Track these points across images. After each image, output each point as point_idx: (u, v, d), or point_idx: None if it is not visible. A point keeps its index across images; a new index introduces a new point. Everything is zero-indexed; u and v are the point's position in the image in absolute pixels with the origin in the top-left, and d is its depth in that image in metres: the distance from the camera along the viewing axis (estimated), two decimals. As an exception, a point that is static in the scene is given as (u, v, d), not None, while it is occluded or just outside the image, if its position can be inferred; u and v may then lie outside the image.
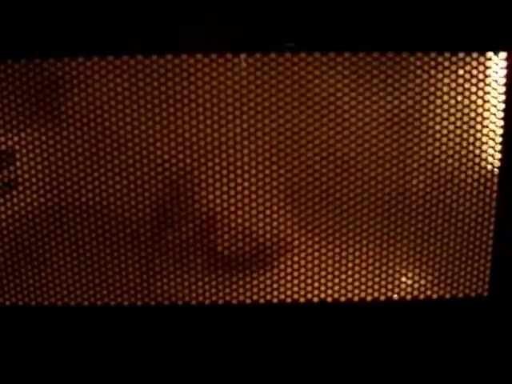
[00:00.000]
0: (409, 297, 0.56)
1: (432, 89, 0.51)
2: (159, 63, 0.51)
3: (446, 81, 0.51)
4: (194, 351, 0.57)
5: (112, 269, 0.56)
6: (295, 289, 0.56)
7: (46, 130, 0.53)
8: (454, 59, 0.51)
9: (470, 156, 0.53)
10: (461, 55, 0.51)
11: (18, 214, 0.55)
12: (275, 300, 0.56)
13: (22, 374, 0.57)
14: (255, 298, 0.56)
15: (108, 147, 0.53)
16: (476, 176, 0.54)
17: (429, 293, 0.56)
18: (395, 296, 0.56)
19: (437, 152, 0.53)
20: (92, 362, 0.57)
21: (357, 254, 0.56)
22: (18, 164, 0.54)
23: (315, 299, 0.56)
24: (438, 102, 0.52)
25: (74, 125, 0.53)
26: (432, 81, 0.51)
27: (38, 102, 0.53)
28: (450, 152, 0.53)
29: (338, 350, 0.57)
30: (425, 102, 0.52)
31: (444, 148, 0.53)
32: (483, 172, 0.54)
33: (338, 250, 0.56)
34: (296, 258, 0.56)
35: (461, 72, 0.51)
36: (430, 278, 0.56)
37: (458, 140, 0.53)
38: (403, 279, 0.56)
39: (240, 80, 0.51)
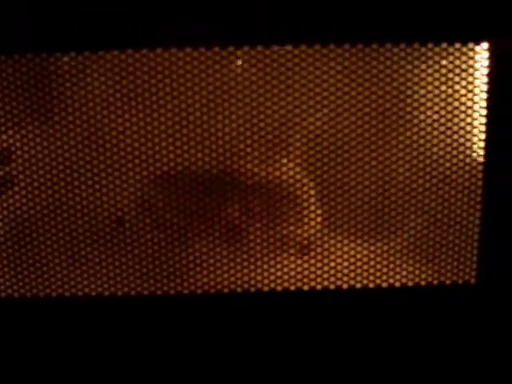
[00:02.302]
0: (397, 284, 0.57)
1: (416, 79, 0.52)
2: (156, 57, 0.52)
3: (430, 71, 0.52)
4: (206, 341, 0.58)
5: (115, 259, 0.57)
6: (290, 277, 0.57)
7: (43, 127, 0.54)
8: (437, 50, 0.52)
9: (455, 145, 0.55)
10: (444, 46, 0.52)
11: (17, 210, 0.56)
12: (279, 288, 0.57)
13: (19, 367, 0.58)
14: (260, 286, 0.57)
15: (106, 143, 0.54)
16: (462, 164, 0.55)
17: (417, 279, 0.58)
18: (384, 284, 0.57)
19: (422, 141, 0.54)
20: (90, 354, 0.58)
21: (345, 242, 0.57)
22: (15, 163, 0.55)
23: (305, 287, 0.57)
24: (423, 92, 0.53)
25: (71, 122, 0.54)
26: (416, 71, 0.52)
27: (34, 98, 0.54)
28: (436, 141, 0.54)
29: (327, 336, 0.58)
30: (409, 93, 0.53)
31: (429, 137, 0.54)
32: (469, 160, 0.55)
33: (326, 238, 0.57)
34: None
35: (444, 62, 0.52)
36: (417, 264, 0.57)
37: (443, 129, 0.54)
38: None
39: (234, 75, 0.52)
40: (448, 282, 0.57)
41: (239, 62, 0.52)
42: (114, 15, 0.50)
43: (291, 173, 0.56)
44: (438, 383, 0.58)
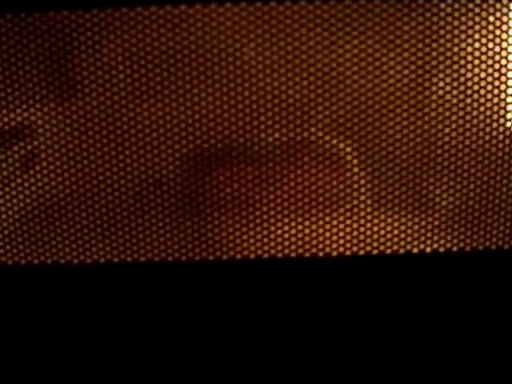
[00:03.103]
0: (428, 249, 0.56)
1: (449, 36, 0.51)
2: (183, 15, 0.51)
3: (463, 28, 0.51)
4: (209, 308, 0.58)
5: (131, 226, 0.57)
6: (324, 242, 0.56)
7: (65, 104, 0.54)
8: (470, 6, 0.51)
9: (490, 105, 0.53)
10: (477, 1, 0.51)
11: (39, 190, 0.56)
12: (280, 255, 0.57)
13: (28, 338, 0.59)
14: (259, 252, 0.57)
15: (128, 112, 0.54)
16: (500, 128, 0.54)
17: (449, 245, 0.56)
18: (415, 249, 0.56)
19: (455, 101, 0.53)
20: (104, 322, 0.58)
21: (381, 209, 0.56)
22: (37, 140, 0.54)
23: (347, 252, 0.56)
24: (455, 49, 0.52)
25: (94, 98, 0.53)
26: (448, 28, 0.51)
27: (55, 67, 0.53)
28: (469, 101, 0.53)
29: (359, 299, 0.57)
30: (442, 50, 0.52)
31: (462, 97, 0.53)
32: (507, 123, 0.54)
33: (354, 202, 0.56)
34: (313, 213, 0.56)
35: (477, 19, 0.51)
36: (449, 230, 0.56)
37: (475, 95, 0.53)
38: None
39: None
40: (481, 247, 0.56)
41: (252, 45, 0.52)
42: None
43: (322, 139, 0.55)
44: (470, 352, 0.57)
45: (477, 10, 0.51)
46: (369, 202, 0.56)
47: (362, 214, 0.56)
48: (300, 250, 0.56)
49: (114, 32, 0.52)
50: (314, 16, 0.51)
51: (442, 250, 0.56)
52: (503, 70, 0.52)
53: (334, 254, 0.56)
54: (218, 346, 0.58)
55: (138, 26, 0.52)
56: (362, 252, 0.56)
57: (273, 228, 0.56)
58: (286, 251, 0.57)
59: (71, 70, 0.53)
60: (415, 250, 0.56)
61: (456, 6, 0.51)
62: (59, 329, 0.58)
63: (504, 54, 0.52)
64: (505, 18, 0.51)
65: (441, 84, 0.53)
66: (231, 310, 0.58)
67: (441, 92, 0.53)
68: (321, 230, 0.56)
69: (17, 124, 0.54)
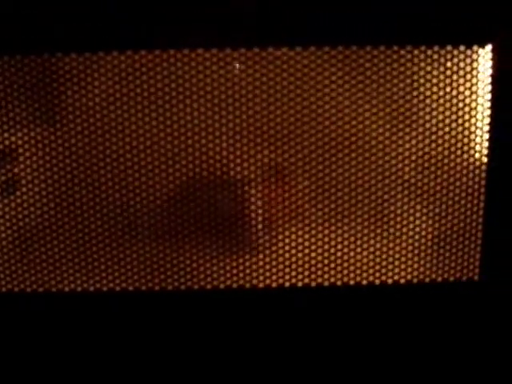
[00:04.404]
0: (402, 280, 0.59)
1: (422, 81, 0.54)
2: (158, 58, 0.53)
3: (435, 73, 0.54)
4: (196, 336, 0.59)
5: (114, 255, 0.58)
6: (287, 273, 0.58)
7: (50, 129, 0.55)
8: (442, 52, 0.53)
9: (459, 145, 0.56)
10: (448, 48, 0.53)
11: (22, 211, 0.57)
12: (274, 284, 0.59)
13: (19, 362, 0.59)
14: (255, 282, 0.59)
15: (110, 143, 0.55)
16: (465, 163, 0.56)
17: (421, 276, 0.59)
18: (389, 280, 0.59)
19: (427, 141, 0.56)
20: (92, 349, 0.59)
21: (350, 239, 0.58)
22: (22, 165, 0.56)
23: (309, 283, 0.58)
24: (428, 93, 0.54)
25: (74, 121, 0.55)
26: (421, 73, 0.54)
27: (37, 98, 0.55)
28: (440, 141, 0.56)
29: (331, 332, 0.59)
30: (415, 94, 0.54)
31: (434, 137, 0.55)
32: (472, 160, 0.56)
33: (330, 234, 0.58)
34: (291, 244, 0.58)
35: (449, 65, 0.54)
36: (421, 261, 0.58)
37: (447, 130, 0.55)
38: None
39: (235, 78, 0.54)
40: (451, 278, 0.58)
41: (237, 67, 0.54)
42: (114, 17, 0.52)
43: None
44: (440, 379, 0.59)
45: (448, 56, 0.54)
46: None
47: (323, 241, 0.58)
48: (255, 282, 0.59)
49: (95, 73, 0.54)
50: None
51: (402, 281, 0.59)
52: (473, 112, 0.55)
53: (286, 284, 0.58)
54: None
55: (114, 68, 0.54)
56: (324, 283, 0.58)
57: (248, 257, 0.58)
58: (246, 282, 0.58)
59: (55, 100, 0.55)
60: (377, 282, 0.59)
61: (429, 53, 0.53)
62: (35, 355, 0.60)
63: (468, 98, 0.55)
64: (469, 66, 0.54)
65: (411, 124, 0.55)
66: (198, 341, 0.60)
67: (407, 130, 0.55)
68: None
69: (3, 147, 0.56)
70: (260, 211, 0.58)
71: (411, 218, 0.58)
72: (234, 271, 0.58)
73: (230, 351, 0.59)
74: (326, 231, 0.58)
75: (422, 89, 0.54)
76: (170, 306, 0.59)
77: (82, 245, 0.58)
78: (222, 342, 0.59)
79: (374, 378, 0.60)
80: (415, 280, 0.59)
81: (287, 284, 0.59)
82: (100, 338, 0.59)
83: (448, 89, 0.54)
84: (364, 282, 0.58)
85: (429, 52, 0.53)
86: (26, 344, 0.59)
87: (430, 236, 0.58)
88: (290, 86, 0.54)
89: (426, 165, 0.56)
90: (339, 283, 0.58)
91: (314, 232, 0.58)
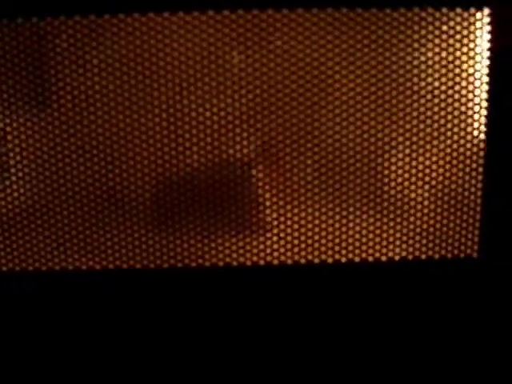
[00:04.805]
0: (397, 257, 0.56)
1: (416, 45, 0.51)
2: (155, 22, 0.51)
3: (430, 37, 0.51)
4: (193, 314, 0.57)
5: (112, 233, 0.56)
6: (292, 250, 0.56)
7: (37, 112, 0.54)
8: (437, 15, 0.51)
9: (457, 117, 0.53)
10: (444, 11, 0.51)
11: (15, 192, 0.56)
12: (275, 262, 0.57)
13: (17, 343, 0.58)
14: (255, 259, 0.57)
15: (102, 124, 0.53)
16: (463, 138, 0.54)
17: (417, 253, 0.56)
18: (383, 257, 0.56)
19: (423, 113, 0.53)
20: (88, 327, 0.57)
21: (348, 216, 0.56)
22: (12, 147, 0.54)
23: (302, 260, 0.56)
24: (422, 58, 0.52)
25: (65, 105, 0.53)
26: (416, 37, 0.51)
27: (26, 76, 0.53)
28: (437, 113, 0.53)
29: (327, 310, 0.57)
30: (409, 59, 0.52)
31: (430, 108, 0.53)
32: (470, 135, 0.54)
33: (328, 212, 0.56)
34: (292, 221, 0.56)
35: (444, 28, 0.51)
36: (418, 238, 0.56)
37: (443, 100, 0.53)
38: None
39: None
40: (449, 255, 0.56)
41: (236, 58, 0.52)
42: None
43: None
44: (439, 358, 0.57)
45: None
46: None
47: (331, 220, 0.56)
48: (269, 258, 0.56)
49: (92, 40, 0.52)
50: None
51: (397, 258, 0.56)
52: (471, 79, 0.53)
53: (303, 261, 0.56)
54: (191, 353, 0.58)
55: (117, 33, 0.52)
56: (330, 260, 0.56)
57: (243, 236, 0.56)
58: (255, 259, 0.56)
59: (46, 80, 0.53)
60: (384, 258, 0.56)
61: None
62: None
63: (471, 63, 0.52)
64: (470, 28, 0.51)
65: (406, 92, 0.53)
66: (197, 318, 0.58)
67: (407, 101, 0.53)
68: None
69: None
70: (260, 192, 0.56)
71: (410, 195, 0.55)
72: (234, 248, 0.56)
73: (231, 329, 0.58)
74: (325, 209, 0.56)
75: (416, 54, 0.52)
76: (174, 283, 0.57)
77: (78, 225, 0.56)
78: (226, 318, 0.57)
79: (373, 356, 0.58)
80: (411, 257, 0.56)
81: (289, 261, 0.57)
82: (96, 317, 0.57)
83: (444, 54, 0.52)
84: (357, 260, 0.56)
85: (423, 14, 0.51)
86: (19, 324, 0.57)
87: (428, 213, 0.56)
88: (290, 52, 0.52)
89: (424, 141, 0.54)
90: (330, 260, 0.56)
91: (312, 211, 0.56)
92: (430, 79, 0.52)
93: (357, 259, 0.56)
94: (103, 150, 0.53)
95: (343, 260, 0.56)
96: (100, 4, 0.51)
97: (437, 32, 0.51)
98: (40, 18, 0.51)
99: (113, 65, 0.52)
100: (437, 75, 0.52)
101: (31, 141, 0.54)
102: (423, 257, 0.56)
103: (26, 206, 0.56)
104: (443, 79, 0.52)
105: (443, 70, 0.52)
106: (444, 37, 0.51)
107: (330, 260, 0.56)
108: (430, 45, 0.51)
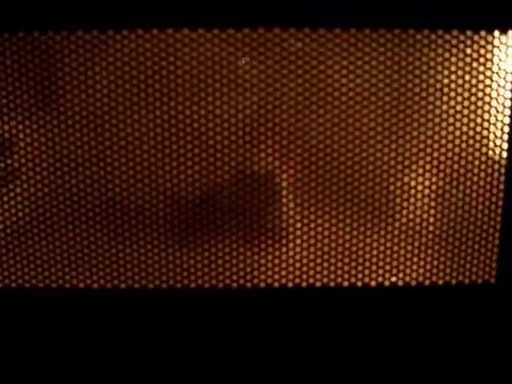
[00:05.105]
0: (414, 282, 0.55)
1: (439, 68, 0.50)
2: (159, 38, 0.50)
3: (454, 60, 0.50)
4: (193, 336, 0.56)
5: (112, 252, 0.55)
6: (298, 273, 0.55)
7: (46, 117, 0.52)
8: (461, 37, 0.50)
9: (477, 139, 0.52)
10: (468, 34, 0.50)
11: (19, 204, 0.54)
12: (276, 284, 0.55)
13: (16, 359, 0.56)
14: (255, 282, 0.55)
15: (112, 132, 0.52)
16: (484, 159, 0.53)
17: (434, 278, 0.55)
18: (400, 282, 0.55)
19: (443, 134, 0.52)
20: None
21: (362, 239, 0.55)
22: (17, 155, 0.52)
23: (318, 284, 0.55)
24: (445, 81, 0.51)
25: (73, 109, 0.51)
26: (439, 59, 0.50)
27: (35, 84, 0.51)
28: (457, 134, 0.52)
29: (342, 335, 0.56)
30: (431, 81, 0.51)
31: (450, 130, 0.52)
32: (491, 154, 0.53)
33: (343, 234, 0.54)
34: (305, 242, 0.55)
35: (468, 51, 0.50)
36: (435, 263, 0.55)
37: (464, 122, 0.52)
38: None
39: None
40: (467, 281, 0.55)
41: (243, 61, 0.50)
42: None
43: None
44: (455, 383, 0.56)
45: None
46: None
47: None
48: (271, 280, 0.55)
49: (97, 53, 0.50)
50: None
51: (414, 283, 0.55)
52: (493, 102, 0.52)
53: (318, 284, 0.55)
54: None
55: (120, 49, 0.50)
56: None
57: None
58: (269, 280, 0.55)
59: (53, 85, 0.52)
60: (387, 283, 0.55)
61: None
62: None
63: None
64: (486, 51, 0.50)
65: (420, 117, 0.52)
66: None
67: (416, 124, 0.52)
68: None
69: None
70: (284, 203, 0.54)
71: (426, 219, 0.54)
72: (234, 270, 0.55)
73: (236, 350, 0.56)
74: (337, 231, 0.54)
75: (439, 76, 0.51)
76: (183, 304, 0.55)
77: (84, 239, 0.54)
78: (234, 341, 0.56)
79: (387, 380, 0.56)
80: (427, 282, 0.55)
81: (290, 284, 0.55)
82: (103, 336, 0.56)
83: (467, 77, 0.50)
84: (373, 284, 0.55)
85: (447, 37, 0.50)
86: (23, 341, 0.56)
87: (446, 238, 0.55)
88: (297, 71, 0.51)
89: (443, 160, 0.53)
90: (346, 284, 0.55)
91: (329, 233, 0.54)
92: (452, 103, 0.51)
93: (373, 283, 0.55)
94: (117, 158, 0.52)
95: (359, 284, 0.55)
96: (103, 20, 0.49)
97: (460, 55, 0.50)
98: (41, 33, 0.49)
99: (126, 77, 0.50)
100: (459, 99, 0.51)
101: (38, 148, 0.52)
102: (440, 282, 0.55)
103: (30, 218, 0.54)
104: (465, 103, 0.51)
105: (466, 94, 0.51)
106: (467, 60, 0.50)
107: (345, 283, 0.55)
108: (453, 67, 0.50)
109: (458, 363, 0.56)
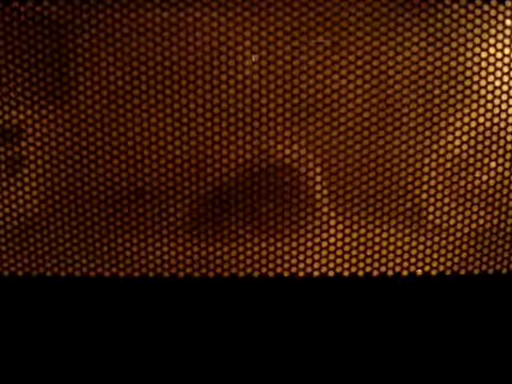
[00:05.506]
0: (434, 272, 0.52)
1: (477, 40, 0.46)
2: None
3: (492, 32, 0.46)
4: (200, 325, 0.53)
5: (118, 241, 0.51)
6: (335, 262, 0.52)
7: (57, 102, 0.47)
8: (501, 8, 0.46)
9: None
10: (508, 4, 0.46)
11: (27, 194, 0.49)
12: (286, 273, 0.52)
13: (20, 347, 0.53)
14: (264, 270, 0.51)
15: (125, 121, 0.47)
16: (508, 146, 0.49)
17: (456, 268, 0.52)
18: (419, 271, 0.52)
19: (474, 106, 0.48)
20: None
21: (385, 230, 0.51)
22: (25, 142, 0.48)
23: (345, 273, 0.52)
24: (484, 54, 0.46)
25: (86, 95, 0.47)
26: (476, 31, 0.46)
27: (43, 62, 0.46)
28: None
29: (362, 324, 0.53)
30: (469, 55, 0.46)
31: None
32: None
33: (364, 224, 0.51)
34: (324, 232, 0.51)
35: (509, 22, 0.46)
36: (457, 251, 0.52)
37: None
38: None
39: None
40: (490, 271, 0.52)
41: (254, 58, 0.46)
42: None
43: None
44: (468, 373, 0.54)
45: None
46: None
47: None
48: (293, 269, 0.51)
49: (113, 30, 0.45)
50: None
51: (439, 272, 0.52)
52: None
53: (331, 274, 0.52)
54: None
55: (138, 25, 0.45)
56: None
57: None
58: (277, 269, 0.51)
59: (65, 69, 0.46)
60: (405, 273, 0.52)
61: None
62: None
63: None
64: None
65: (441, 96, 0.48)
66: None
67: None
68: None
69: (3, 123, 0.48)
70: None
71: (450, 213, 0.51)
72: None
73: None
74: (359, 220, 0.51)
75: (477, 49, 0.46)
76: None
77: (92, 228, 0.50)
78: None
79: (401, 367, 0.54)
80: (448, 272, 0.52)
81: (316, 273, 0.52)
82: (108, 324, 0.53)
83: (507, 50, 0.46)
84: (390, 274, 0.51)
85: (486, 7, 0.45)
86: (25, 329, 0.53)
87: (469, 224, 0.51)
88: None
89: (466, 162, 0.49)
90: (375, 274, 0.52)
91: (351, 223, 0.51)
92: (491, 78, 0.47)
93: (383, 272, 0.52)
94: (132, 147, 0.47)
95: (371, 273, 0.52)
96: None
97: (500, 27, 0.46)
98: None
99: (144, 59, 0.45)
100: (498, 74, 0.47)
101: (48, 137, 0.48)
102: (462, 272, 0.52)
103: (39, 209, 0.49)
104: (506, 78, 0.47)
105: (505, 69, 0.47)
106: (508, 32, 0.46)
107: (361, 272, 0.52)
108: (492, 40, 0.46)
109: (472, 352, 0.54)
